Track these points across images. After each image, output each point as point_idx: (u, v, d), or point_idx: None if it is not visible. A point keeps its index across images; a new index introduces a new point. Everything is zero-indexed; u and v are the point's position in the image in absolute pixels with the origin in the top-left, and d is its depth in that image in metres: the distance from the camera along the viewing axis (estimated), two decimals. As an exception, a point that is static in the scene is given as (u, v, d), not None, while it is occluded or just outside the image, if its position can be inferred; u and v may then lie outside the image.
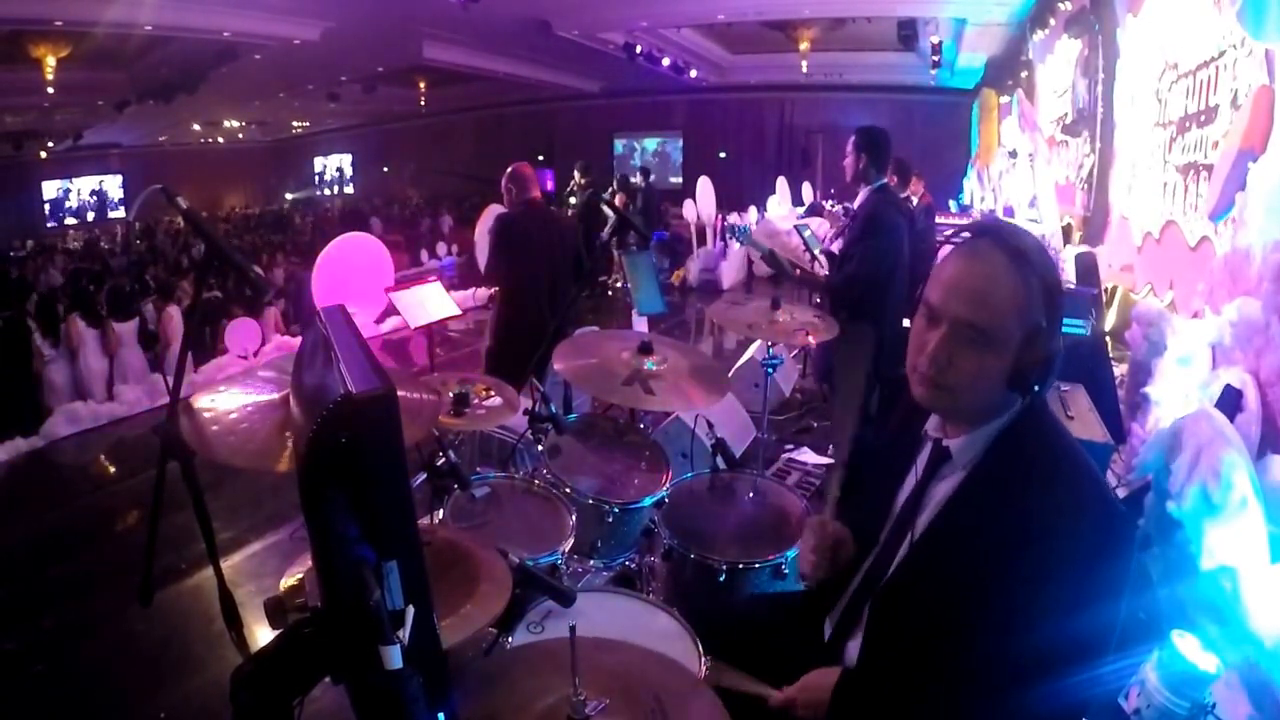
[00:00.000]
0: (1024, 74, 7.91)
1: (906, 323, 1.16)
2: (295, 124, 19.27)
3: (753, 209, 10.31)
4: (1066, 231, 5.55)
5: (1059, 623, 0.92)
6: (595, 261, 8.23)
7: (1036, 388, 1.03)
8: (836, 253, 3.30)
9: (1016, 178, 8.44)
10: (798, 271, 3.38)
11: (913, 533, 1.14)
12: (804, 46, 11.38)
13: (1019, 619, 0.94)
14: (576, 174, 8.69)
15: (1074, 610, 0.92)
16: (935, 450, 1.14)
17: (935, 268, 1.09)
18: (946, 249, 1.12)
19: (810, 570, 1.29)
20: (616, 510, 1.96)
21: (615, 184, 8.80)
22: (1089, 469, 1.05)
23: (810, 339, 2.75)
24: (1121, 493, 2.34)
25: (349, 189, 21.34)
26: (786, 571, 1.82)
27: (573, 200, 8.60)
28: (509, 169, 3.69)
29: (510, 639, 1.39)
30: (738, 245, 8.29)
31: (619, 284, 8.14)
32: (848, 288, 2.96)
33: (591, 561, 2.01)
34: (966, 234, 1.10)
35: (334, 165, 21.74)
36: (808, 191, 11.68)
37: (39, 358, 5.26)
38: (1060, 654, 0.92)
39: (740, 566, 1.80)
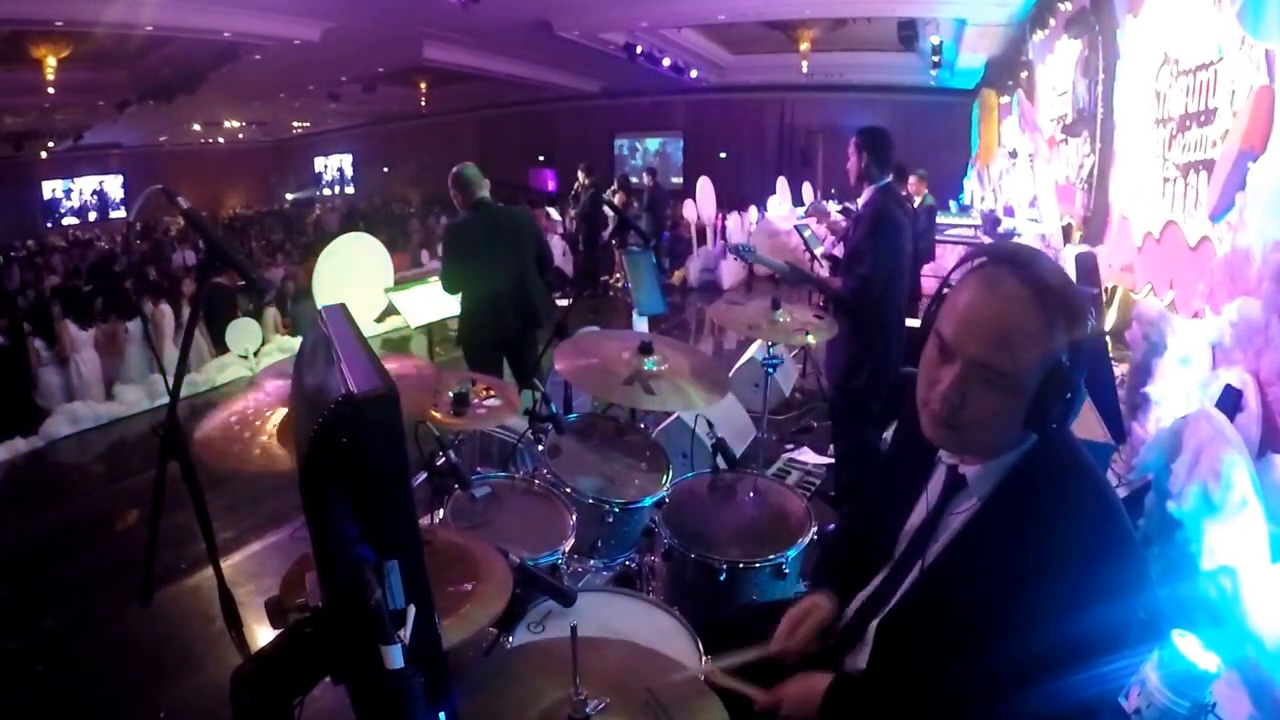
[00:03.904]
0: (1024, 74, 7.91)
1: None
2: (296, 124, 19.27)
3: (753, 209, 10.31)
4: (1066, 231, 5.55)
5: (1061, 629, 0.91)
6: (597, 261, 8.27)
7: (1056, 425, 0.97)
8: (839, 256, 3.28)
9: (1016, 178, 8.45)
10: (813, 278, 3.37)
11: (924, 560, 1.11)
12: (804, 47, 11.37)
13: (1022, 630, 0.93)
14: (581, 175, 8.68)
15: (1076, 617, 0.91)
16: (950, 477, 1.10)
17: (950, 294, 1.01)
18: (957, 270, 1.04)
19: (785, 650, 1.26)
20: (617, 510, 1.96)
21: (616, 183, 8.80)
22: (1101, 488, 1.01)
23: (811, 339, 2.75)
24: (1122, 492, 2.34)
25: (349, 189, 21.34)
26: (787, 571, 1.82)
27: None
28: (453, 170, 3.57)
29: (511, 639, 1.39)
30: (743, 262, 8.20)
31: (620, 284, 8.14)
32: (864, 289, 2.87)
33: (592, 561, 2.01)
34: (981, 259, 1.00)
35: (334, 165, 21.75)
36: (808, 191, 11.68)
37: (35, 359, 5.24)
38: (1062, 659, 0.91)
39: (740, 566, 1.80)
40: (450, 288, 3.60)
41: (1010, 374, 0.94)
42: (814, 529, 1.90)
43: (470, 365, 3.61)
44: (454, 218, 3.62)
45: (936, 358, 1.01)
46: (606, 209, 7.91)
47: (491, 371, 3.44)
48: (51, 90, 9.81)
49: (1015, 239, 7.55)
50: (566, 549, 1.80)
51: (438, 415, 1.89)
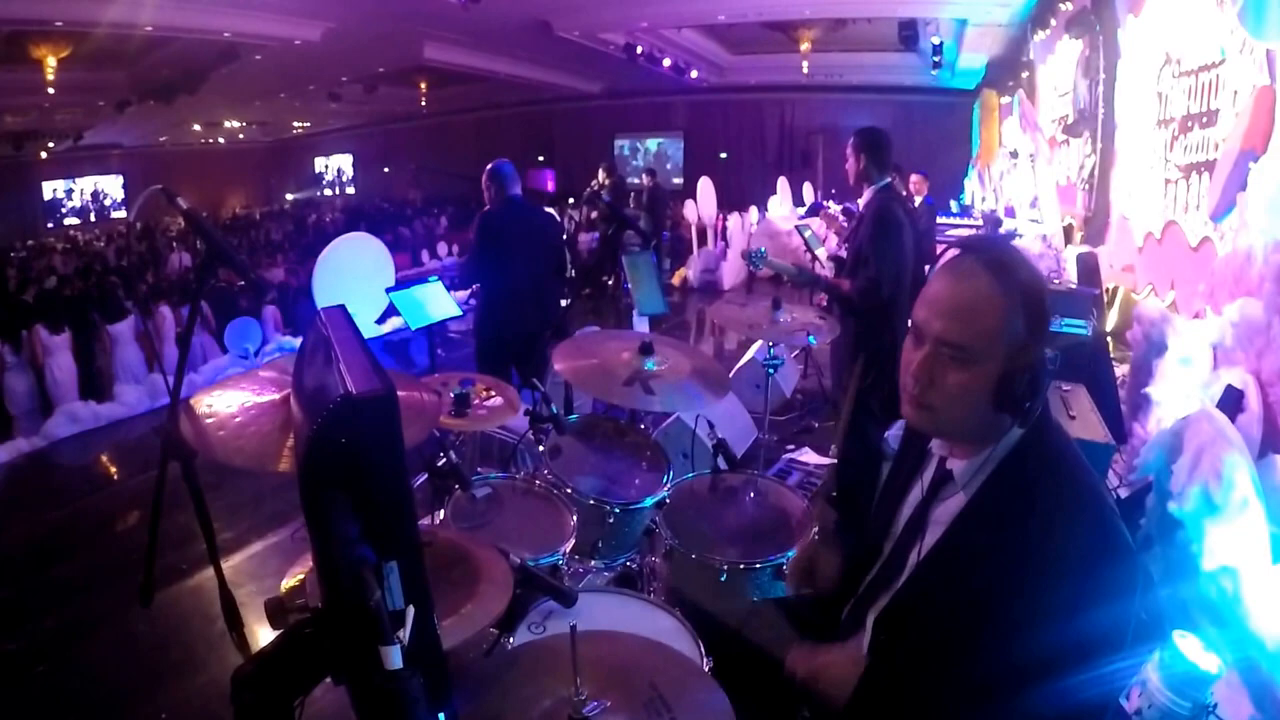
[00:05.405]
0: (1025, 74, 7.91)
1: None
2: (296, 124, 19.28)
3: (753, 209, 10.31)
4: (1068, 232, 5.55)
5: (1058, 632, 0.92)
6: (604, 261, 8.23)
7: (1026, 406, 1.00)
8: (844, 256, 3.25)
9: (1017, 178, 8.44)
10: (821, 280, 3.36)
11: (917, 553, 1.13)
12: (804, 47, 11.38)
13: (1019, 632, 0.94)
14: (600, 174, 8.63)
15: (1072, 619, 0.92)
16: (939, 469, 1.13)
17: (925, 286, 1.08)
18: (937, 263, 1.09)
19: (789, 577, 1.33)
20: (618, 510, 1.96)
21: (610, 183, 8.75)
22: (1093, 489, 1.03)
23: (812, 339, 2.74)
24: (1123, 493, 2.35)
25: (350, 189, 21.35)
26: (787, 572, 1.82)
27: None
28: (489, 166, 3.66)
29: (511, 639, 1.39)
30: (755, 268, 8.16)
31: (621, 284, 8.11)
32: (873, 290, 2.83)
33: (593, 562, 2.01)
34: (954, 250, 1.07)
35: (335, 166, 21.76)
36: (808, 192, 11.68)
37: (1, 364, 5.21)
38: (1060, 661, 0.92)
39: (741, 567, 1.80)
40: (474, 277, 3.70)
41: (971, 347, 0.99)
42: (814, 530, 1.90)
43: (483, 362, 3.64)
44: (488, 209, 3.70)
45: (912, 344, 1.07)
46: (608, 209, 7.88)
47: (504, 368, 3.45)
48: (51, 90, 9.82)
49: (1016, 240, 7.56)
50: (567, 549, 1.79)
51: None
